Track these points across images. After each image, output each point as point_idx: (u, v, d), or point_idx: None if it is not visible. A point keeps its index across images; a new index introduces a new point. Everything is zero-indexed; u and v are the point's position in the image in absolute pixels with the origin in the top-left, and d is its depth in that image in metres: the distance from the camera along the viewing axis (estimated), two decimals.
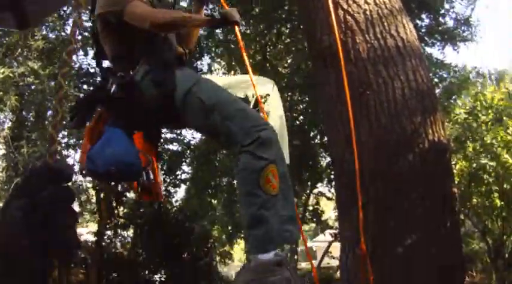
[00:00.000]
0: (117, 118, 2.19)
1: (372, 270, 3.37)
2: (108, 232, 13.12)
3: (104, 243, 12.73)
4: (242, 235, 11.22)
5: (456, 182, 3.85)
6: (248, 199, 1.85)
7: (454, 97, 9.72)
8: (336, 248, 10.40)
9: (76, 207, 12.49)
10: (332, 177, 9.84)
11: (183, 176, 13.22)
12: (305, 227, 18.34)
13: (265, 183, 1.79)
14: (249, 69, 2.77)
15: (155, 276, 14.05)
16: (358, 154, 3.35)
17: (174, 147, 13.32)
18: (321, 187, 11.46)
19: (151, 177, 2.41)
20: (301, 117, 9.88)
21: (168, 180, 13.01)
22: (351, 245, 3.83)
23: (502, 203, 6.14)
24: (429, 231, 3.47)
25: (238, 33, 3.26)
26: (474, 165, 6.58)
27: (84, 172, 2.27)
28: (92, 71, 10.93)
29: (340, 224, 4.08)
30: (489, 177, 6.27)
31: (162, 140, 12.88)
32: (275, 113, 2.77)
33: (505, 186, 6.11)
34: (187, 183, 12.75)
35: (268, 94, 2.77)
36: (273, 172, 1.82)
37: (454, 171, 4.44)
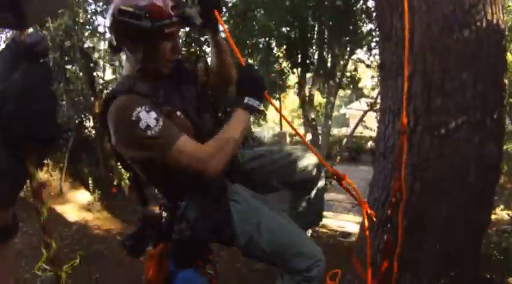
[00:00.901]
0: (178, 257, 2.18)
1: (410, 146, 3.20)
2: None
3: None
4: (277, 95, 11.12)
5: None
6: None
7: None
8: (370, 118, 10.28)
9: (109, 72, 12.43)
10: (373, 44, 9.41)
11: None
12: (340, 93, 18.12)
13: None
14: None
15: None
16: (408, 20, 3.02)
17: None
18: (360, 54, 11.04)
19: None
20: None
21: (203, 39, 12.64)
22: (391, 117, 3.59)
23: None
24: (476, 117, 3.15)
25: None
26: None
27: None
28: None
29: (381, 93, 3.79)
30: None
31: None
32: None
33: None
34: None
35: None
36: None
37: None
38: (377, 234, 3.70)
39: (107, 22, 1.97)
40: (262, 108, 2.31)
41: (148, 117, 1.72)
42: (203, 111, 2.21)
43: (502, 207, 9.68)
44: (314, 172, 2.63)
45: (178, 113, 2.01)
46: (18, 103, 0.94)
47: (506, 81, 3.43)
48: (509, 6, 7.57)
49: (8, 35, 9.36)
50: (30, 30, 1.03)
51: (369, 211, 2.73)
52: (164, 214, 2.14)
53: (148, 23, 1.76)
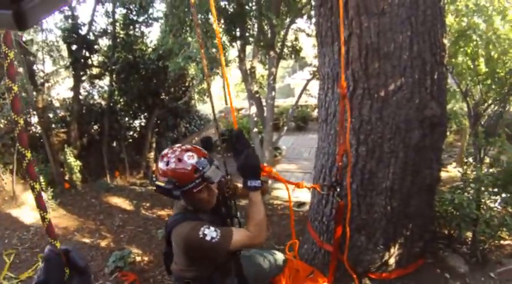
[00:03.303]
0: None
1: (351, 110, 3.21)
2: (85, 85, 12.80)
3: (81, 96, 12.44)
4: (218, 71, 11.01)
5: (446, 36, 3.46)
6: None
7: None
8: (314, 86, 10.33)
9: (49, 64, 12.02)
10: (313, 13, 9.36)
11: (156, 14, 12.64)
12: (283, 63, 17.99)
13: None
14: None
15: (135, 122, 14.28)
16: None
17: None
18: (301, 23, 10.95)
19: None
20: None
21: (141, 20, 12.44)
22: (330, 82, 3.59)
23: (487, 70, 5.82)
24: (414, 78, 3.18)
25: None
26: (464, 21, 6.11)
27: None
28: None
29: (319, 60, 3.76)
30: (478, 39, 5.86)
31: None
32: None
33: (492, 53, 5.71)
34: (161, 21, 12.11)
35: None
36: None
37: None
38: (328, 201, 3.74)
39: None
40: (262, 183, 2.53)
41: (210, 231, 2.20)
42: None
43: (454, 164, 9.97)
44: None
45: None
46: None
47: (446, 41, 3.45)
48: None
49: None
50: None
51: (308, 185, 2.77)
52: None
53: (178, 190, 2.24)
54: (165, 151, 2.42)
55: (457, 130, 11.94)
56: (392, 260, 3.68)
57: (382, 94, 3.20)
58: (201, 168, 2.26)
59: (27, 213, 8.61)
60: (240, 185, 2.73)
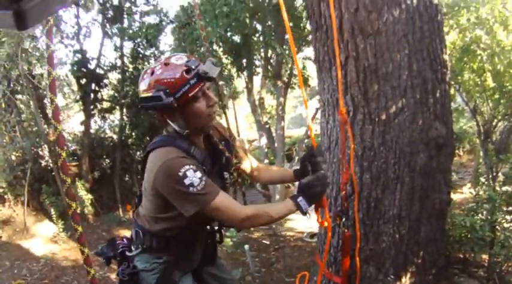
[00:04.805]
0: None
1: (353, 136, 3.10)
2: (96, 119, 12.89)
3: (92, 130, 12.57)
4: (224, 103, 11.12)
5: (447, 53, 3.38)
6: None
7: None
8: None
9: (60, 99, 12.20)
10: None
11: (163, 47, 13.02)
12: (295, 93, 17.98)
13: None
14: None
15: None
16: (335, 6, 2.94)
17: (151, 19, 12.86)
18: (308, 51, 10.98)
19: None
20: None
21: (149, 53, 12.64)
22: (331, 109, 3.50)
23: (495, 84, 5.72)
24: (416, 98, 3.08)
25: None
26: (468, 37, 6.04)
27: None
28: None
29: (319, 86, 3.69)
30: (483, 53, 5.77)
31: (139, 13, 12.65)
32: None
33: (498, 67, 5.62)
34: (169, 54, 12.33)
35: None
36: None
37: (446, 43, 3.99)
38: (334, 231, 3.61)
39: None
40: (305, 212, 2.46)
41: (194, 176, 1.89)
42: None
43: (468, 185, 9.70)
44: None
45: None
46: None
47: (446, 57, 3.36)
48: None
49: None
50: None
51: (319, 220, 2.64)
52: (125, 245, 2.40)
53: (170, 97, 1.89)
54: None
55: (470, 149, 11.75)
56: None
57: (383, 118, 3.10)
58: (193, 67, 1.94)
59: (37, 244, 8.69)
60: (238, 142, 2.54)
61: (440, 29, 3.33)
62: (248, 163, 2.65)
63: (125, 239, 2.46)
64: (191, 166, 1.91)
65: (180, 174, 1.87)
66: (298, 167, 2.36)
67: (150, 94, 1.94)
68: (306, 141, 11.34)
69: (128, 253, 2.34)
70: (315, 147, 2.27)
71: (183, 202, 1.95)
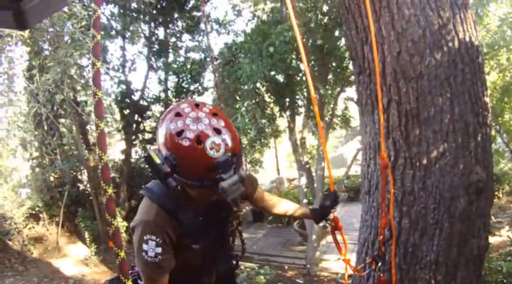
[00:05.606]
0: None
1: (393, 181, 3.09)
2: (137, 149, 13.28)
3: (132, 159, 12.89)
4: (265, 141, 11.12)
5: (488, 94, 3.35)
6: None
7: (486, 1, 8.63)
8: None
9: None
10: None
11: (207, 84, 13.15)
12: (336, 133, 17.99)
13: None
14: None
15: None
16: (378, 49, 2.99)
17: (196, 55, 13.06)
18: (350, 92, 10.97)
19: None
20: (326, 17, 9.10)
21: (192, 88, 12.88)
22: (372, 153, 3.52)
23: None
24: (458, 143, 3.06)
25: None
26: (508, 76, 5.96)
27: None
28: None
29: (361, 129, 3.70)
30: None
31: (184, 49, 12.98)
32: None
33: None
34: (212, 90, 12.66)
35: None
36: None
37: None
38: (370, 275, 3.57)
39: None
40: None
41: (152, 249, 1.82)
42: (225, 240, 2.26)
43: (507, 228, 9.41)
44: None
45: (195, 246, 2.01)
46: None
47: (487, 99, 3.34)
48: (488, 24, 7.41)
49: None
50: None
51: (350, 268, 2.62)
52: None
53: (171, 176, 1.59)
54: (183, 106, 1.65)
55: (509, 191, 11.49)
56: None
57: (424, 163, 3.09)
58: (221, 171, 1.54)
59: (68, 265, 8.84)
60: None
61: (481, 70, 3.32)
62: (265, 203, 2.67)
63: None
64: (156, 240, 1.82)
65: (144, 238, 1.82)
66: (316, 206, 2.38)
67: (158, 160, 1.57)
68: (345, 181, 11.31)
69: (139, 281, 2.31)
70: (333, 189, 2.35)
71: (137, 258, 1.91)
